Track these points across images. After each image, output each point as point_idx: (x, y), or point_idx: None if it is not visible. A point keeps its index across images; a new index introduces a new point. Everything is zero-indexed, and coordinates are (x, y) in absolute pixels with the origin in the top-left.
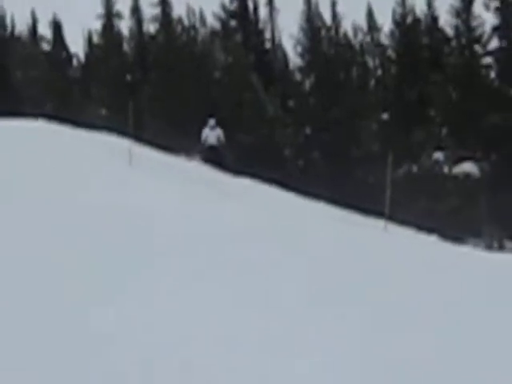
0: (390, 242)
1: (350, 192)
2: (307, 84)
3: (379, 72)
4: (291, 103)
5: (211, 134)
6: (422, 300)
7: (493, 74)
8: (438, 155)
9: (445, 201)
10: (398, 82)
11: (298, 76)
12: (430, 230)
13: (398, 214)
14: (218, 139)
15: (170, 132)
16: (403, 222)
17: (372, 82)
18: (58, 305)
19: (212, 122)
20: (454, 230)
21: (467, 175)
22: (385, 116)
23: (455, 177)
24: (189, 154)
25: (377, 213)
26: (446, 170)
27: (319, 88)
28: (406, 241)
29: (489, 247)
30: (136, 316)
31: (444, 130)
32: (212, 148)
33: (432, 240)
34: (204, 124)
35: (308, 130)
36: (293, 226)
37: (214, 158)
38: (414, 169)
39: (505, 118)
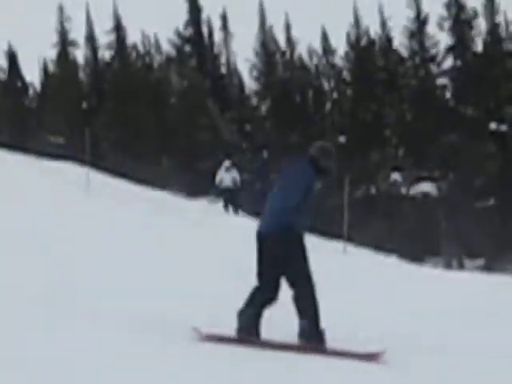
0: (350, 264)
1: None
2: (263, 108)
3: (335, 94)
4: (248, 127)
5: (226, 177)
6: (379, 322)
7: (448, 94)
8: (396, 176)
9: (403, 221)
10: (353, 104)
11: (254, 100)
12: (389, 251)
13: (357, 236)
14: (234, 182)
15: (127, 159)
16: (362, 243)
17: (328, 105)
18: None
19: (227, 163)
20: (413, 249)
21: (425, 195)
22: (341, 138)
23: (413, 197)
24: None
25: (336, 235)
26: (403, 190)
27: (275, 112)
28: (365, 262)
29: (448, 266)
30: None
31: (400, 151)
32: (227, 191)
33: (391, 260)
34: (219, 165)
35: (265, 154)
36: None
37: (229, 200)
38: (372, 190)
39: (461, 137)
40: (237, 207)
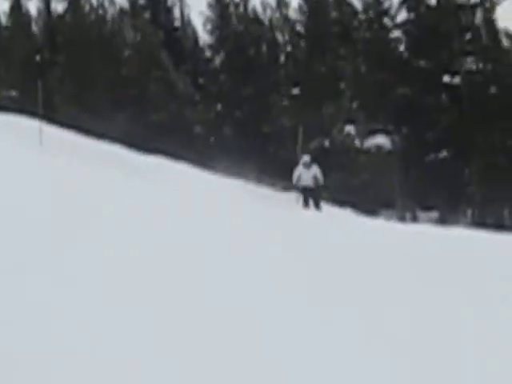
0: (304, 216)
1: (263, 168)
2: (217, 61)
3: (289, 47)
4: (202, 80)
5: (306, 175)
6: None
7: (402, 47)
8: (350, 129)
9: (357, 174)
10: (307, 57)
11: (208, 53)
12: (343, 203)
13: None
14: (315, 180)
15: (81, 113)
16: None
17: (282, 58)
18: None
19: (306, 158)
20: (368, 202)
21: (379, 148)
22: (295, 91)
23: (367, 150)
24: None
25: (291, 187)
26: (357, 143)
27: (229, 65)
28: (319, 214)
29: (402, 219)
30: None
31: (355, 104)
32: (307, 189)
33: (345, 212)
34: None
35: (219, 107)
36: (211, 204)
37: (309, 199)
38: (326, 143)
39: (414, 90)
40: (318, 202)
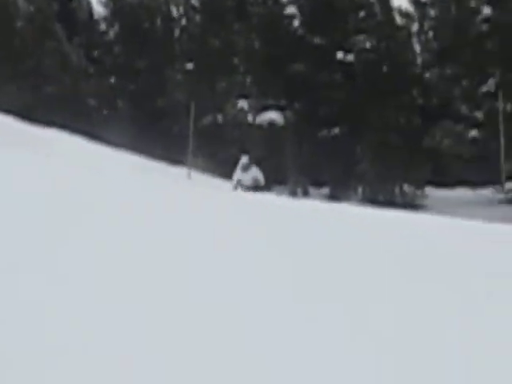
0: (192, 189)
1: (156, 142)
2: (112, 34)
3: (184, 21)
4: (96, 53)
5: (245, 177)
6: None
7: (296, 23)
8: (243, 104)
9: (250, 149)
10: (202, 32)
11: (102, 25)
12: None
13: (203, 163)
14: (256, 182)
15: None
16: (209, 170)
17: (177, 32)
18: None
19: (245, 159)
20: None
21: (272, 123)
22: (189, 66)
23: (260, 125)
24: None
25: (182, 162)
26: (250, 118)
27: (124, 38)
28: (208, 190)
29: (293, 194)
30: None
31: (248, 79)
32: (248, 188)
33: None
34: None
35: (113, 80)
36: (100, 177)
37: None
38: (219, 118)
39: (308, 66)
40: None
